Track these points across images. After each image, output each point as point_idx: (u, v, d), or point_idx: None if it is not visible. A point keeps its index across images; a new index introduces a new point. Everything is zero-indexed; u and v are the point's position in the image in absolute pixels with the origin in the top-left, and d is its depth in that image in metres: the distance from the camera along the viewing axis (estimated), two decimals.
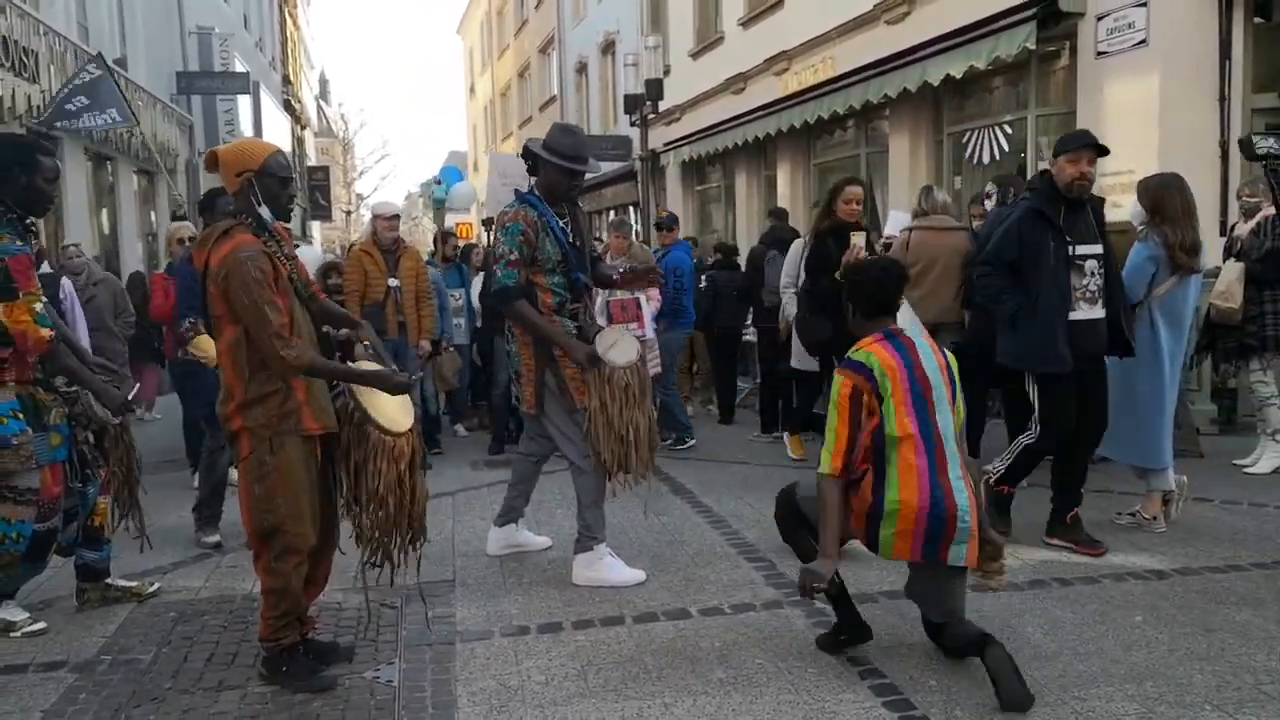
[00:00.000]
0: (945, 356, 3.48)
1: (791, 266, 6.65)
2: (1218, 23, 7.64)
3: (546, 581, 4.49)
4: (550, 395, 4.42)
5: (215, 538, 5.11)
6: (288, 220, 3.54)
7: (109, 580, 4.29)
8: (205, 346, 4.96)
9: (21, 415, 3.79)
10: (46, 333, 3.71)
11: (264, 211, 3.33)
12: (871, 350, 3.39)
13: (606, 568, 4.41)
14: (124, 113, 10.29)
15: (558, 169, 4.39)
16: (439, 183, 13.42)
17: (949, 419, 3.37)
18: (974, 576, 3.46)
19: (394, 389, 3.41)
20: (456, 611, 4.11)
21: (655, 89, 15.95)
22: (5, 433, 3.74)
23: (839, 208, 5.93)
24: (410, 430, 3.45)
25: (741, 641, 3.71)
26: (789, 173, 14.78)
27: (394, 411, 3.45)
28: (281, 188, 3.38)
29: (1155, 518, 5.00)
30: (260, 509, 3.29)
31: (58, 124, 9.92)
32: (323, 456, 3.42)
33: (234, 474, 5.35)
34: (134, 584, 4.35)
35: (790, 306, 6.52)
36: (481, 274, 8.11)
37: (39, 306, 3.72)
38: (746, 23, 15.38)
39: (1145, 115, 8.10)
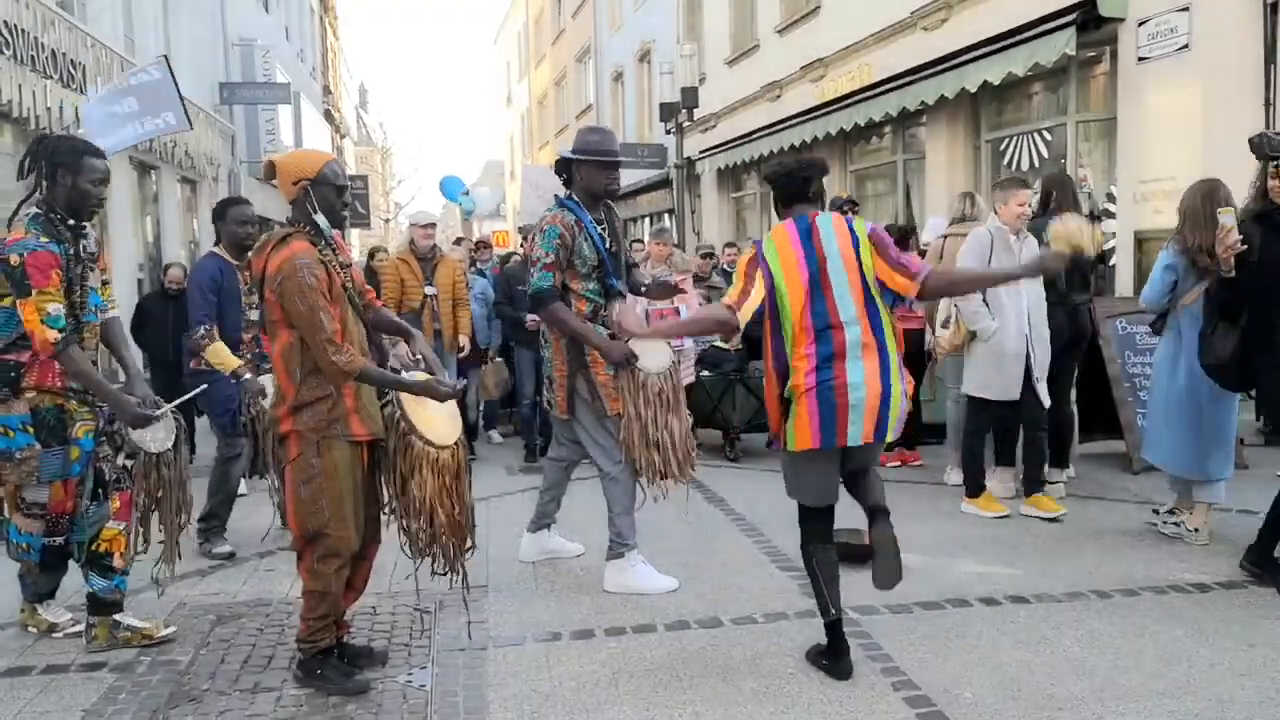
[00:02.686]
0: (853, 232, 3.51)
1: (976, 261, 5.40)
2: (1262, 27, 7.50)
3: (579, 588, 4.50)
4: (581, 401, 4.43)
5: (226, 548, 5.08)
6: (342, 228, 3.58)
7: (118, 617, 3.89)
8: (219, 354, 4.93)
9: (32, 429, 3.69)
10: (52, 334, 3.54)
11: (320, 219, 3.38)
12: (774, 231, 3.54)
13: (638, 575, 4.41)
14: (180, 117, 10.20)
15: (593, 165, 4.43)
16: (467, 193, 13.57)
17: (850, 301, 3.39)
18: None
19: (442, 398, 3.43)
20: (489, 617, 4.12)
21: (691, 97, 16.01)
22: (10, 446, 3.68)
23: (1271, 186, 4.53)
24: (456, 443, 3.46)
25: (774, 651, 3.70)
26: (825, 180, 14.71)
27: (440, 424, 3.46)
28: (337, 195, 3.44)
29: (1197, 530, 4.91)
30: (306, 511, 3.34)
31: (101, 142, 9.70)
32: (370, 463, 3.47)
33: (243, 485, 5.41)
34: (146, 624, 3.93)
35: (980, 319, 5.42)
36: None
37: (52, 307, 3.55)
38: (782, 30, 15.36)
39: (1188, 121, 7.98)
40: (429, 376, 3.48)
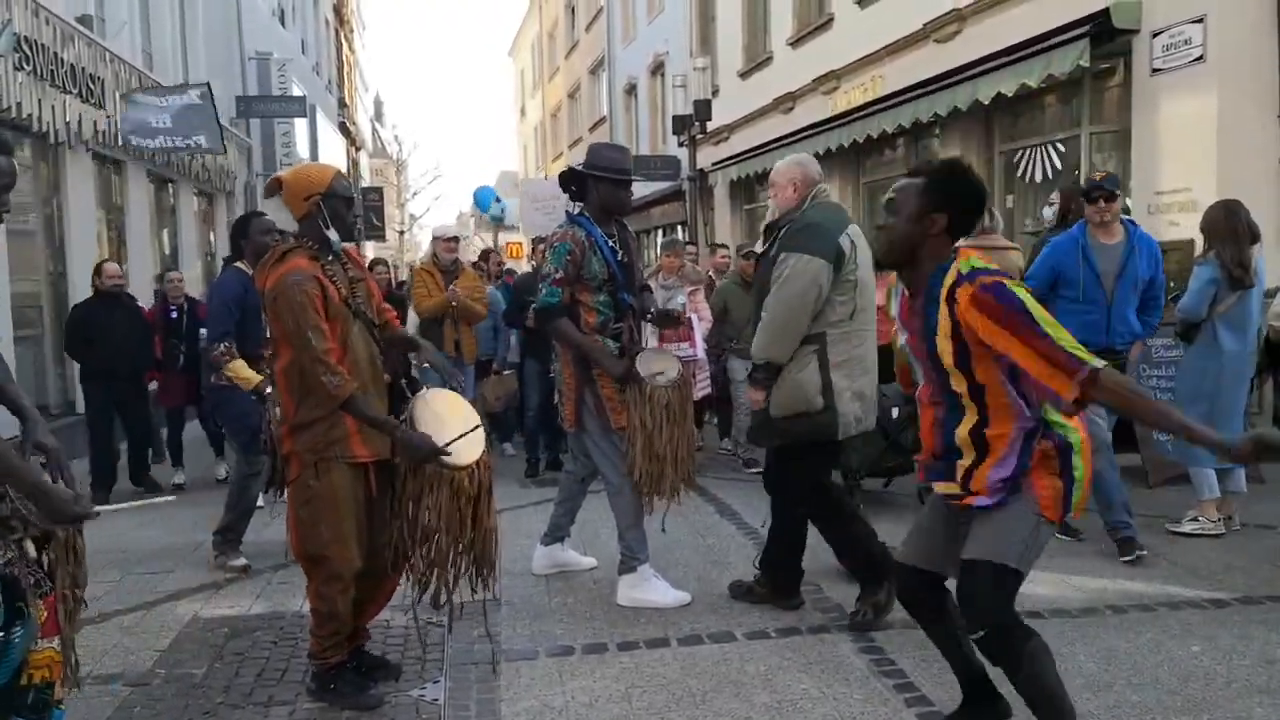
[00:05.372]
0: None
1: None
2: (1277, 38, 7.48)
3: (592, 602, 4.50)
4: (589, 413, 4.45)
5: (241, 560, 5.09)
6: (352, 240, 3.55)
7: None
8: (240, 370, 4.90)
9: None
10: None
11: (332, 234, 3.34)
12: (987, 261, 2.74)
13: (651, 589, 4.41)
14: (214, 140, 10.74)
15: (612, 183, 4.45)
16: (498, 200, 13.58)
17: None
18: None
19: (417, 461, 3.21)
20: (502, 631, 4.12)
21: (704, 109, 16.05)
22: None
23: None
24: (477, 463, 3.32)
25: (787, 666, 3.69)
26: (838, 192, 14.70)
27: (458, 442, 3.30)
28: (347, 208, 3.42)
29: (1215, 521, 5.17)
30: (305, 533, 3.32)
31: (132, 136, 10.27)
32: (379, 483, 3.40)
33: (260, 498, 5.33)
34: None
35: None
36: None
37: None
38: (795, 42, 15.38)
39: (1202, 133, 7.94)
40: (416, 433, 3.22)
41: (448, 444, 3.21)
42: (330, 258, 3.35)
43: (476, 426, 3.39)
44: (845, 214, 4.24)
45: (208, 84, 11.00)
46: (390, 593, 3.62)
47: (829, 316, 3.97)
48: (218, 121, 10.26)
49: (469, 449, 3.33)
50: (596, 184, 4.46)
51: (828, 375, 3.96)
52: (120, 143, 10.57)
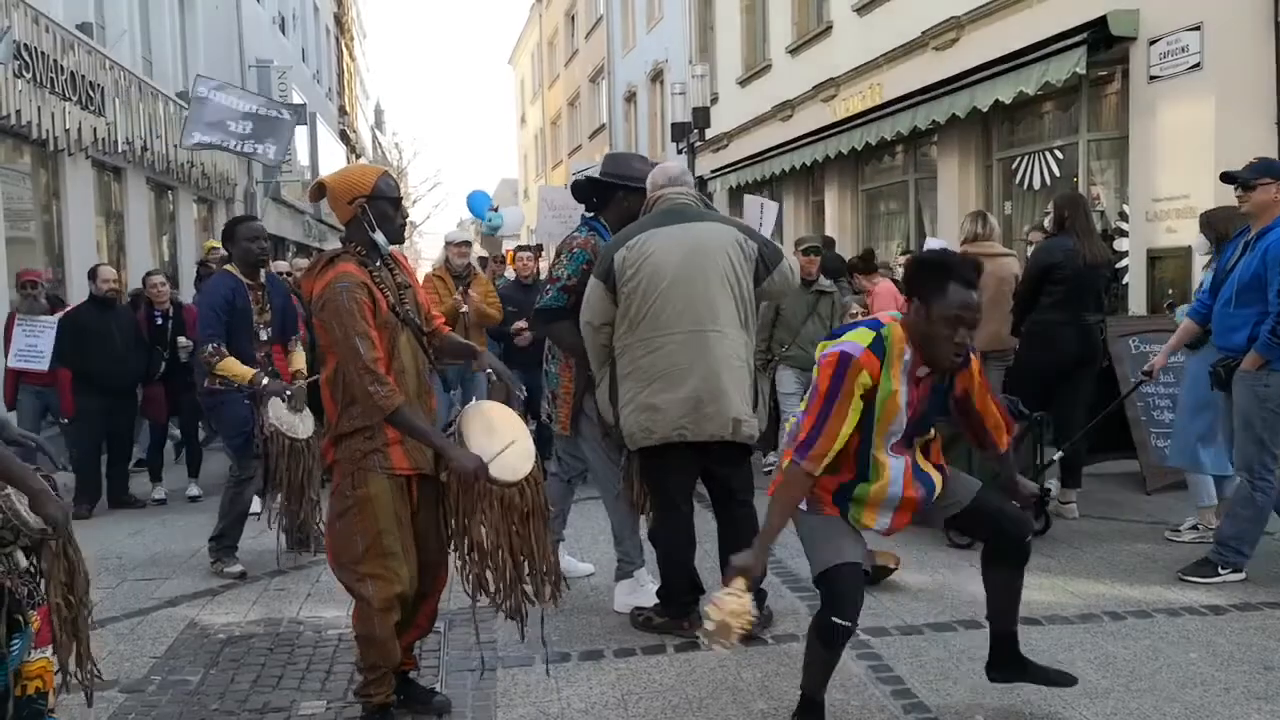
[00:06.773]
0: None
1: None
2: (1273, 45, 7.49)
3: (588, 608, 4.48)
4: (586, 420, 4.44)
5: (238, 567, 5.06)
6: (402, 243, 3.39)
7: None
8: (232, 368, 4.82)
9: None
10: None
11: (379, 237, 3.20)
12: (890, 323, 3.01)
13: (647, 595, 4.39)
14: (280, 153, 11.44)
15: (642, 194, 4.34)
16: (496, 209, 13.50)
17: None
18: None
19: (461, 477, 3.10)
20: (498, 637, 4.11)
21: (703, 117, 16.09)
22: None
23: None
24: (527, 479, 3.20)
25: (783, 672, 3.67)
26: (837, 198, 14.75)
27: (509, 457, 3.19)
28: (394, 209, 3.26)
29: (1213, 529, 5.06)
30: (339, 544, 3.20)
31: (196, 132, 10.73)
32: (424, 497, 3.27)
33: (256, 503, 5.29)
34: None
35: None
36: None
37: None
38: (794, 50, 15.42)
39: (1200, 139, 7.96)
40: (464, 450, 3.14)
41: (494, 458, 3.10)
42: (378, 263, 3.23)
43: (526, 439, 3.29)
44: (657, 219, 4.04)
45: (313, 113, 11.71)
46: (431, 614, 3.45)
47: (618, 332, 4.02)
48: (290, 142, 10.96)
49: (519, 463, 3.22)
50: (626, 194, 4.38)
51: (615, 390, 4.05)
52: (187, 142, 10.96)
